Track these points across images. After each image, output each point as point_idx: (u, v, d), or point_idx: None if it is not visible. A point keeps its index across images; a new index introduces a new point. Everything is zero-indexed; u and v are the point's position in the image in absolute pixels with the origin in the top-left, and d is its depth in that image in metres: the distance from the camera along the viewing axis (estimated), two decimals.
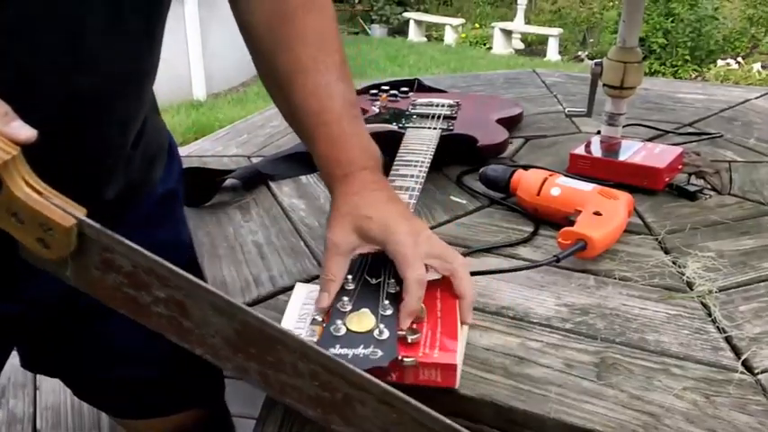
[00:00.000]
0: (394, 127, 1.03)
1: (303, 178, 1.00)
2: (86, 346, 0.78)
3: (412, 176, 0.83)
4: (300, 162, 0.98)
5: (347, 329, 0.56)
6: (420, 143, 0.95)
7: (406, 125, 1.03)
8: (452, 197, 0.94)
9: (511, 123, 1.16)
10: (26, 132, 0.44)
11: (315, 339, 0.57)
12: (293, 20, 0.68)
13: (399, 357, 0.54)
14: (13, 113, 0.45)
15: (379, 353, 0.54)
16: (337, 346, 0.54)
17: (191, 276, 0.45)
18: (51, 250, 0.45)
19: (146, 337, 0.77)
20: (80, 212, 0.45)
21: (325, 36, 0.69)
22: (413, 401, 0.45)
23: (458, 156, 1.01)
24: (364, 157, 0.66)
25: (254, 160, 1.08)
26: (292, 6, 0.68)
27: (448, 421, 0.44)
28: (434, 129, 1.01)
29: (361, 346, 0.54)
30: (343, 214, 0.63)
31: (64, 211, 0.44)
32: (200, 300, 0.45)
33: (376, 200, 0.63)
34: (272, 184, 0.98)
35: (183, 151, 1.13)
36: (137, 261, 0.45)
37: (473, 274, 0.73)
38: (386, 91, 1.21)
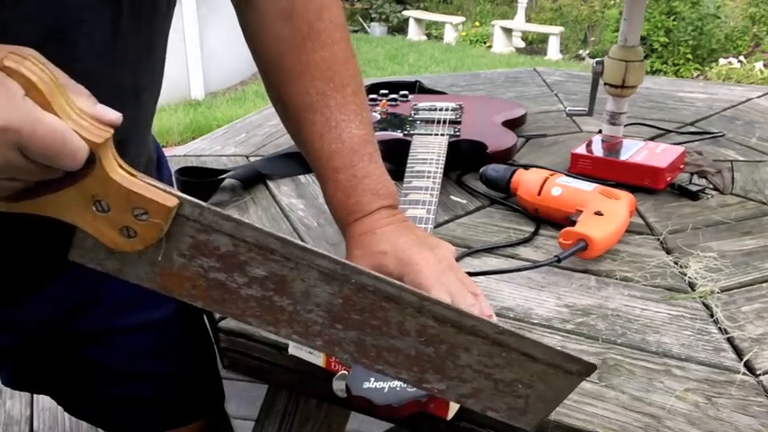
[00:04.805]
0: (399, 134, 1.03)
1: (302, 178, 0.99)
2: (82, 368, 0.75)
3: (426, 189, 0.81)
4: (299, 161, 0.98)
5: None
6: (429, 151, 0.93)
7: (411, 132, 1.02)
8: (452, 197, 0.93)
9: (515, 125, 1.15)
10: (114, 115, 0.42)
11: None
12: (301, 50, 0.64)
13: None
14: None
15: None
16: (371, 379, 0.52)
17: (303, 243, 0.43)
18: (136, 239, 0.42)
19: (144, 357, 0.77)
20: (178, 192, 0.42)
21: (336, 68, 0.65)
22: (523, 334, 0.44)
23: (466, 161, 1.00)
24: (375, 201, 0.63)
25: (253, 159, 1.07)
26: (300, 36, 0.64)
27: (552, 346, 0.44)
28: (441, 135, 1.00)
29: None
30: (358, 256, 0.61)
31: (164, 191, 0.42)
32: (309, 269, 0.43)
33: (389, 233, 0.61)
34: (271, 184, 0.98)
35: (180, 150, 1.13)
36: (243, 237, 0.42)
37: (473, 274, 0.73)
38: (385, 95, 1.20)
